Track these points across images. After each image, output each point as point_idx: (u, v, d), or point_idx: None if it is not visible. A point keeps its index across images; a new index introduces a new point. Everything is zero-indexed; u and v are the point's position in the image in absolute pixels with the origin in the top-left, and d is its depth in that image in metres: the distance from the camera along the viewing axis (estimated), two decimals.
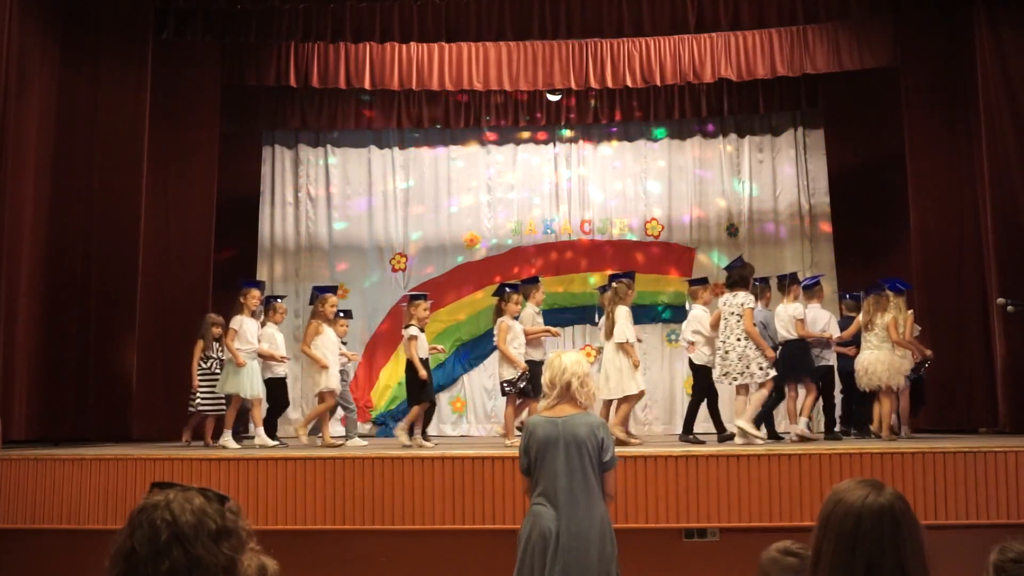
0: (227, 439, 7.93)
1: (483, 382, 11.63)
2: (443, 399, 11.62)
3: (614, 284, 8.27)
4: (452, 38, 9.76)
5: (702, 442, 7.95)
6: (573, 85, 10.48)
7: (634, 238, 11.80)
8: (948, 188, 9.35)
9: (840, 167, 11.16)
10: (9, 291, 7.64)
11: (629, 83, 10.44)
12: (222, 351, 8.55)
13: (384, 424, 11.44)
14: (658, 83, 10.47)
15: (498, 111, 11.58)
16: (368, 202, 11.94)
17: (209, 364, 8.58)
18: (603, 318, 8.63)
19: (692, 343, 8.53)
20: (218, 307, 10.20)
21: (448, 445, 8.40)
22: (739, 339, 7.44)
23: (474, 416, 11.60)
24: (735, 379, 7.51)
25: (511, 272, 11.69)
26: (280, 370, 8.62)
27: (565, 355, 4.73)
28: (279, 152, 11.99)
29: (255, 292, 8.53)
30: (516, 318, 8.19)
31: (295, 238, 11.89)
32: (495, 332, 8.15)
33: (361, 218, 11.92)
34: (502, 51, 10.41)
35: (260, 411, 8.33)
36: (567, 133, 11.96)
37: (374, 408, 11.55)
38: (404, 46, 10.19)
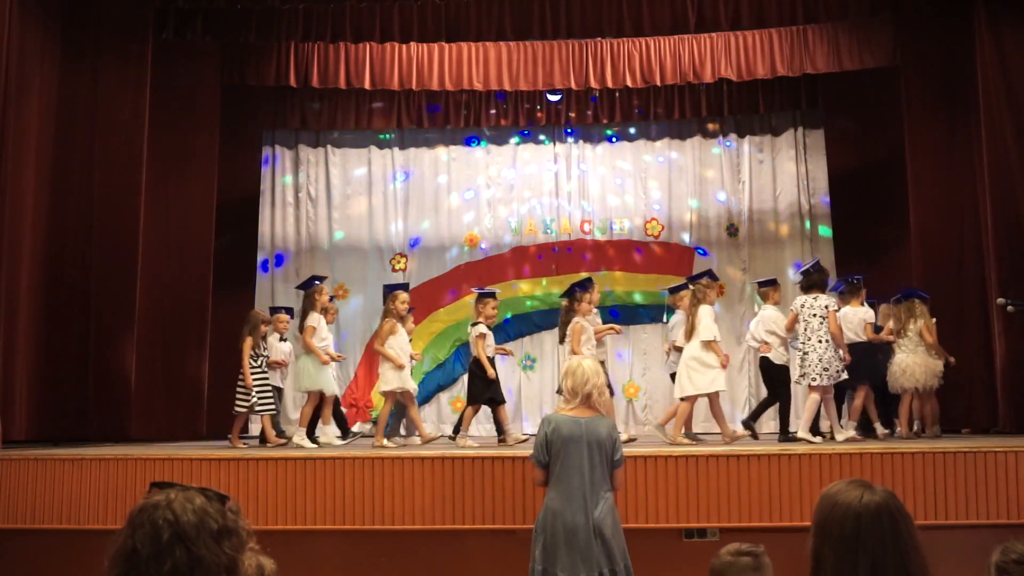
0: (301, 438, 7.86)
1: None
2: (443, 399, 11.63)
3: (692, 286, 8.18)
4: (452, 38, 9.76)
5: (755, 436, 8.11)
6: (573, 85, 10.48)
7: (634, 238, 11.80)
8: (948, 188, 9.35)
9: (840, 167, 11.17)
10: (9, 291, 7.64)
11: (629, 83, 10.44)
12: (266, 348, 8.50)
13: (384, 424, 11.43)
14: (658, 83, 10.47)
15: (498, 111, 11.58)
16: (368, 202, 11.94)
17: (259, 362, 8.34)
18: (672, 317, 8.89)
19: (766, 343, 8.50)
20: (218, 307, 10.22)
21: (448, 445, 8.39)
22: (820, 341, 7.63)
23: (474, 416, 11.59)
24: (813, 380, 7.66)
25: (511, 273, 11.70)
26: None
27: (585, 362, 5.09)
28: (279, 152, 12.00)
29: (325, 289, 8.45)
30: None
31: (295, 238, 11.89)
32: (568, 335, 7.94)
33: (361, 218, 11.91)
34: (502, 51, 10.41)
35: (330, 409, 8.23)
36: (567, 133, 11.97)
37: (374, 408, 11.54)
38: (404, 46, 10.19)
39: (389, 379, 8.01)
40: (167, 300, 9.66)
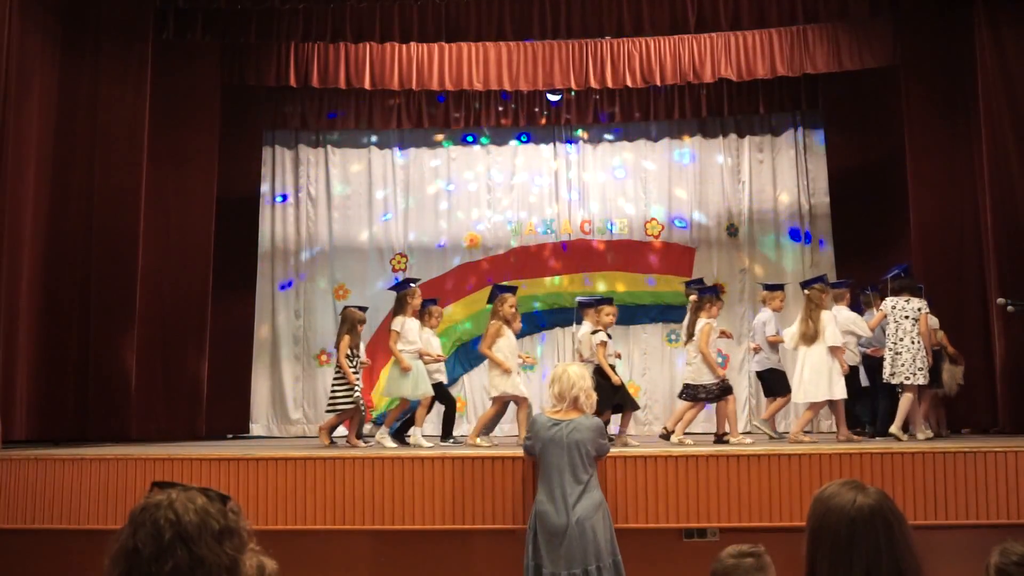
0: (384, 437, 7.82)
1: (483, 382, 11.62)
2: None
3: (807, 291, 8.01)
4: (452, 38, 9.76)
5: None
6: (573, 85, 10.49)
7: (634, 238, 11.79)
8: (948, 188, 9.34)
9: (840, 167, 11.17)
10: (9, 291, 7.64)
11: (629, 83, 10.44)
12: (358, 350, 8.36)
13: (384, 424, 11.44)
14: (658, 83, 10.47)
15: (498, 111, 11.58)
16: (368, 202, 11.94)
17: (355, 363, 8.13)
18: (760, 315, 8.97)
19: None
20: (218, 307, 10.22)
21: (448, 445, 8.39)
22: (912, 341, 7.74)
23: (474, 416, 11.59)
24: (907, 379, 7.74)
25: (511, 273, 11.69)
26: (437, 375, 8.59)
27: (571, 368, 5.40)
28: (279, 152, 11.99)
29: (419, 291, 8.30)
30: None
31: (295, 238, 11.89)
32: (696, 336, 7.88)
33: (361, 218, 11.91)
34: (502, 51, 10.41)
35: (424, 412, 8.12)
36: (567, 134, 11.97)
37: (374, 408, 11.54)
38: (404, 46, 10.19)
39: (497, 384, 7.81)
40: (167, 300, 9.65)
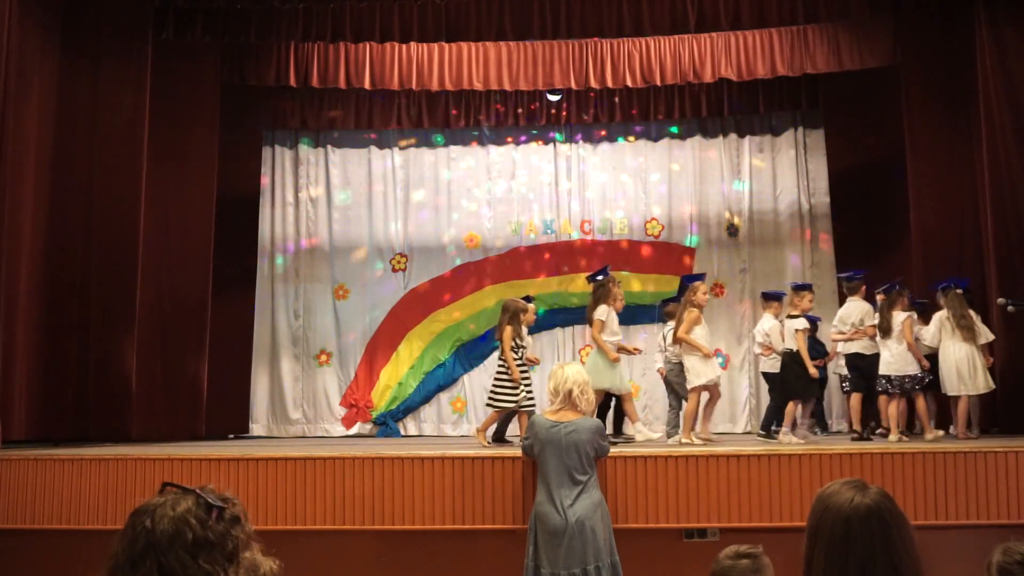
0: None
1: (483, 382, 11.61)
2: (443, 399, 11.63)
3: (943, 297, 8.04)
4: (452, 38, 9.76)
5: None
6: (573, 85, 10.48)
7: (634, 238, 11.80)
8: (948, 188, 9.34)
9: (840, 167, 11.16)
10: (9, 291, 7.63)
11: (629, 83, 10.44)
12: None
13: (384, 424, 11.44)
14: (658, 83, 10.47)
15: (498, 111, 11.58)
16: (368, 202, 11.94)
17: (519, 354, 7.62)
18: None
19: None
20: (218, 307, 10.22)
21: (448, 445, 8.38)
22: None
23: (474, 416, 11.59)
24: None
25: (511, 273, 11.70)
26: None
27: (567, 366, 5.47)
28: (279, 152, 11.99)
29: (619, 281, 8.06)
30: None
31: (295, 238, 11.89)
32: (897, 329, 7.77)
33: (361, 218, 11.91)
34: (502, 51, 10.41)
35: (631, 405, 7.86)
36: (567, 133, 11.97)
37: (374, 408, 11.55)
38: (404, 46, 10.19)
39: (700, 371, 7.59)
40: (167, 300, 9.65)
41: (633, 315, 11.54)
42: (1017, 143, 8.42)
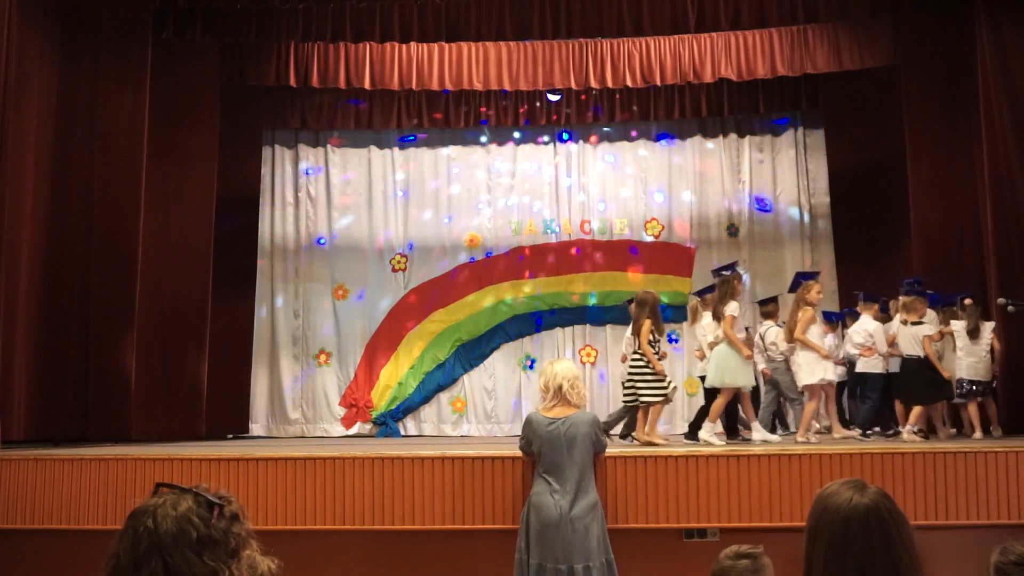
0: (709, 434, 7.30)
1: (483, 382, 11.64)
2: (443, 399, 11.63)
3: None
4: (452, 38, 9.76)
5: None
6: (573, 85, 10.49)
7: (634, 238, 11.80)
8: (948, 188, 9.34)
9: (840, 167, 11.16)
10: (9, 291, 7.63)
11: (629, 83, 10.44)
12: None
13: (384, 424, 11.44)
14: (658, 83, 10.48)
15: (498, 111, 11.58)
16: (368, 202, 11.94)
17: (656, 349, 7.37)
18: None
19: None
20: (218, 307, 10.22)
21: (448, 445, 8.38)
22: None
23: (474, 416, 11.61)
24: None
25: (511, 273, 11.70)
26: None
27: (556, 363, 5.49)
28: (279, 152, 11.99)
29: (743, 277, 7.87)
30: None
31: (295, 238, 11.89)
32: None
33: (361, 218, 11.91)
34: (502, 51, 10.41)
35: (749, 403, 7.67)
36: (567, 133, 11.97)
37: (374, 408, 11.55)
38: (404, 46, 10.20)
39: (815, 370, 7.42)
40: (167, 300, 9.65)
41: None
42: (1017, 143, 8.42)
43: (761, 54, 10.13)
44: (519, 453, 5.80)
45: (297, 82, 10.38)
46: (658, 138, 11.95)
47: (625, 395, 7.72)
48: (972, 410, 7.94)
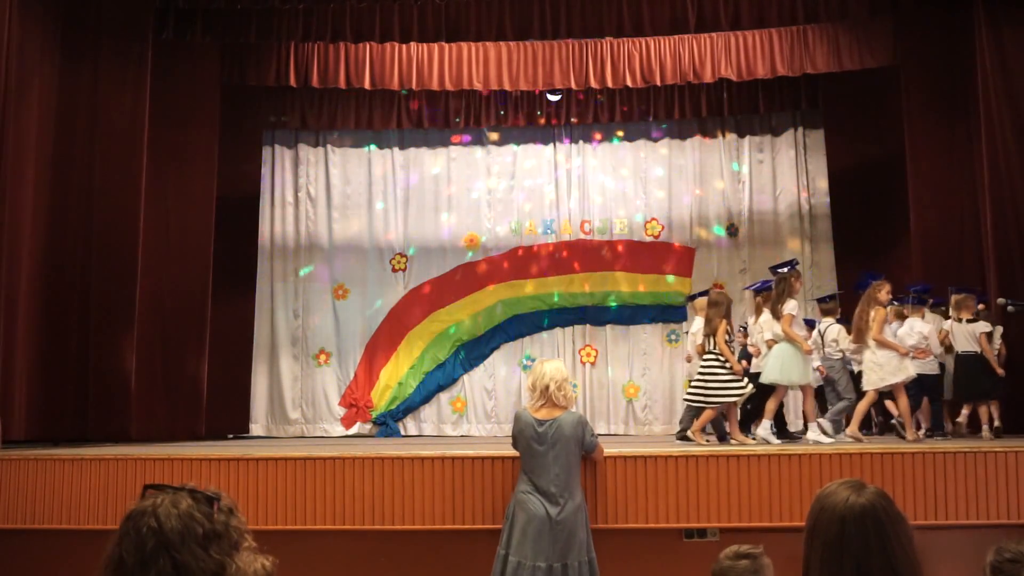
0: (766, 432, 7.27)
1: (483, 382, 11.64)
2: (443, 399, 11.64)
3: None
4: (452, 38, 9.77)
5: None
6: (573, 85, 10.49)
7: (634, 238, 11.80)
8: (948, 188, 9.35)
9: (840, 167, 11.17)
10: (9, 291, 7.63)
11: (629, 83, 10.44)
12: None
13: (384, 424, 11.44)
14: (658, 83, 10.48)
15: (498, 111, 11.58)
16: (368, 202, 11.94)
17: (731, 347, 7.38)
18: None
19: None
20: (218, 307, 10.22)
21: (448, 445, 8.38)
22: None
23: (474, 416, 11.61)
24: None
25: (511, 273, 11.70)
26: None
27: (546, 362, 5.52)
28: (279, 152, 12.00)
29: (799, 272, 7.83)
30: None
31: (295, 238, 11.89)
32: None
33: (361, 218, 11.92)
34: (502, 51, 10.41)
35: (812, 400, 7.64)
36: (568, 134, 11.97)
37: (374, 408, 11.55)
38: (404, 46, 10.20)
39: (895, 369, 7.33)
40: (167, 300, 9.66)
41: (633, 315, 11.56)
42: (1017, 143, 8.43)
43: (761, 54, 10.13)
44: (518, 453, 5.80)
45: (297, 82, 10.38)
46: (658, 138, 11.95)
47: (689, 394, 7.68)
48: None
